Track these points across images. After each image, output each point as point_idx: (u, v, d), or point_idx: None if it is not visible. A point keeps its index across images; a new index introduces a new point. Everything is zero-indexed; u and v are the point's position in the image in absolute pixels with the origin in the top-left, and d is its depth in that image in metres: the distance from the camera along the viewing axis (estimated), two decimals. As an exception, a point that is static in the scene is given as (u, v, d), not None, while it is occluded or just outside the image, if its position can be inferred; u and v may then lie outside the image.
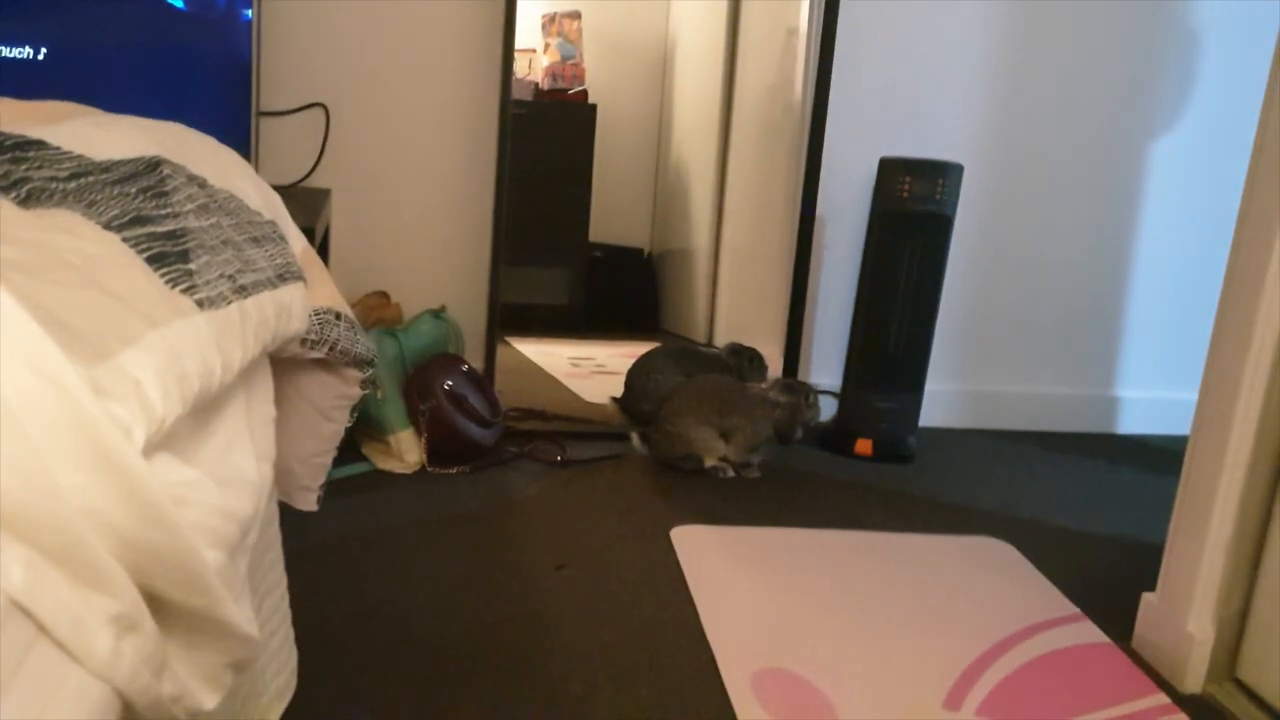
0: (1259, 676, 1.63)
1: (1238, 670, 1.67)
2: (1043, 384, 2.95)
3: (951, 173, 2.53)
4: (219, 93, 2.15)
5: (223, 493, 0.74)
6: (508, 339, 3.21)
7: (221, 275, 0.89)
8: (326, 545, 1.91)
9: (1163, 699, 1.63)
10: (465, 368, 2.41)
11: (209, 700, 0.71)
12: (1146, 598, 1.79)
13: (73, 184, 0.85)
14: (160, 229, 0.87)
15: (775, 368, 2.73)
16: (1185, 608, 1.69)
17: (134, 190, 0.91)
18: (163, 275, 0.80)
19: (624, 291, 3.72)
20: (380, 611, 1.70)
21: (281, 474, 1.33)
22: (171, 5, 2.10)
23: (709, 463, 2.34)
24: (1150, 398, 2.99)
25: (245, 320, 0.88)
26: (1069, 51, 2.73)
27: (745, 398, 2.32)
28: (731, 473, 2.31)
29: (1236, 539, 1.65)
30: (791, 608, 1.82)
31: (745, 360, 2.68)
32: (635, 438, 2.48)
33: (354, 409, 1.36)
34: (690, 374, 2.60)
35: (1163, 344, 2.97)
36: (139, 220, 0.85)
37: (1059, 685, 1.65)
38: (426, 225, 2.63)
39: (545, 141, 3.45)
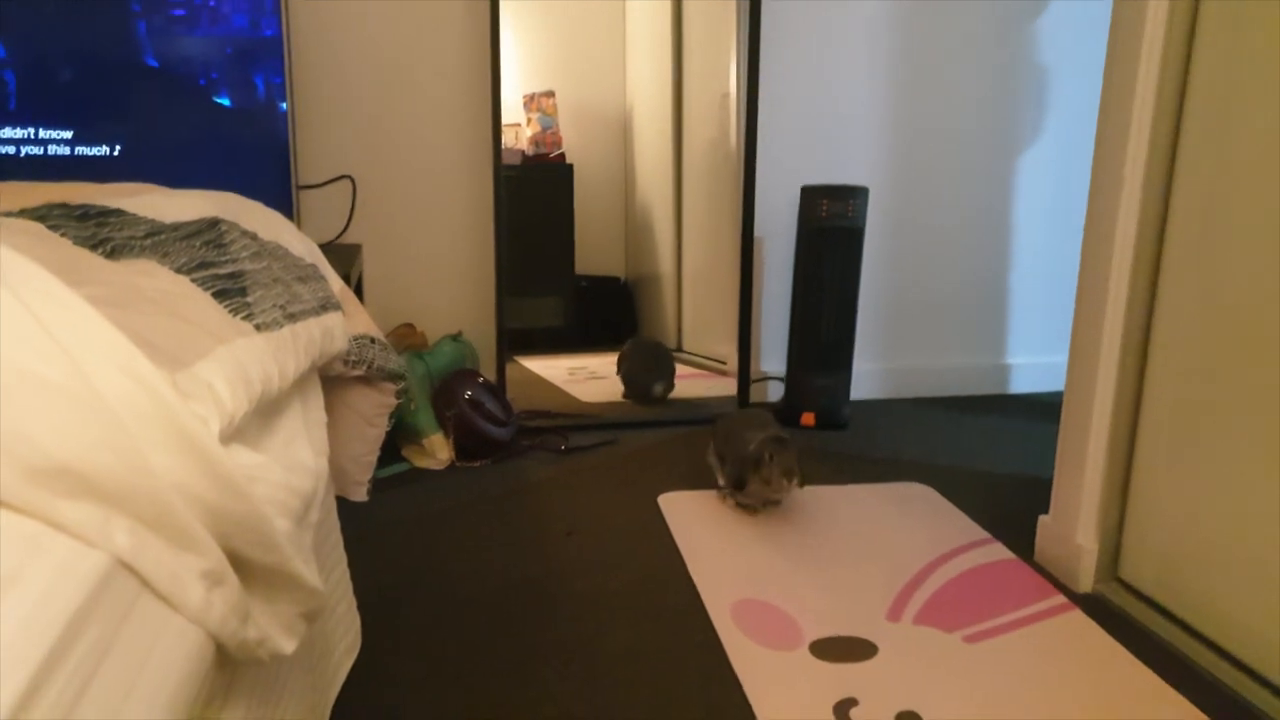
0: (1136, 574, 1.65)
1: (1119, 571, 1.69)
2: (947, 357, 2.97)
3: (859, 194, 2.55)
4: (264, 171, 2.15)
5: (286, 474, 0.74)
6: (516, 357, 3.20)
7: (274, 305, 0.89)
8: (378, 529, 1.90)
9: (1061, 599, 1.65)
10: (481, 380, 2.41)
11: (287, 645, 0.71)
12: (1042, 519, 1.81)
13: (148, 240, 0.86)
14: (222, 271, 0.87)
15: (731, 363, 2.75)
16: (1073, 525, 1.71)
17: (199, 243, 0.91)
18: (226, 306, 0.81)
19: (607, 312, 3.71)
20: (426, 579, 1.70)
21: (336, 472, 1.33)
22: (220, 104, 2.10)
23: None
24: (1033, 362, 3.00)
25: (295, 339, 0.88)
26: (946, 87, 2.76)
27: (738, 441, 2.03)
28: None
29: (1109, 467, 1.67)
30: (759, 550, 1.82)
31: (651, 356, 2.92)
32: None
33: (392, 415, 1.36)
34: (656, 357, 2.85)
35: (1040, 317, 2.99)
36: (204, 265, 0.86)
37: (978, 594, 1.66)
38: (441, 268, 2.63)
39: (534, 196, 3.44)
